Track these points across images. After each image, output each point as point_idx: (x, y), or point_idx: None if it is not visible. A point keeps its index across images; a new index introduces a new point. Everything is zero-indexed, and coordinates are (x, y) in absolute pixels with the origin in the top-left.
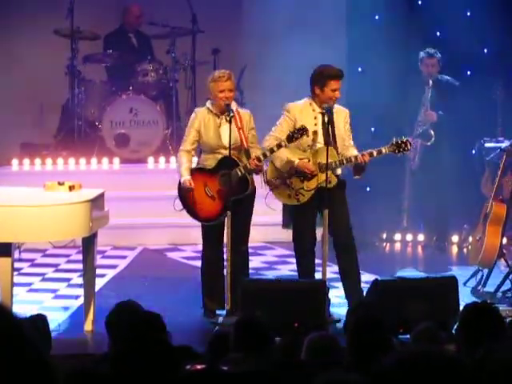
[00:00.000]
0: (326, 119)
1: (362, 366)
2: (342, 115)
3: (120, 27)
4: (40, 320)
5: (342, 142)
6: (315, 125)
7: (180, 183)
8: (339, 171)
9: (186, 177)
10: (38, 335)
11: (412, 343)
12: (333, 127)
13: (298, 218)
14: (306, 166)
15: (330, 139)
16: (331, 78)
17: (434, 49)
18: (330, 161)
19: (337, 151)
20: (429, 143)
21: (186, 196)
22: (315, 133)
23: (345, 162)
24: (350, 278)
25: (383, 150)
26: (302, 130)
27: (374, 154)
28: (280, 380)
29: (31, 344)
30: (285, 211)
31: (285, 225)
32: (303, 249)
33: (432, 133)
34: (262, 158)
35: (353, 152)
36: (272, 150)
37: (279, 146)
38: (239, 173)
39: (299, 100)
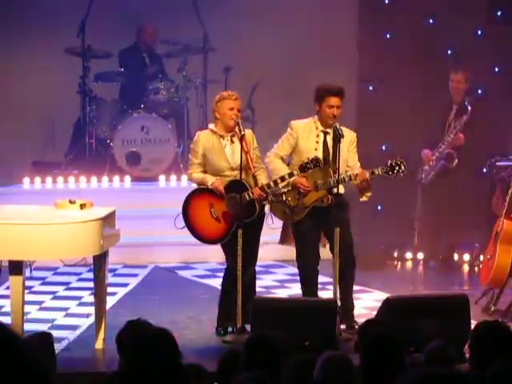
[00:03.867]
0: (329, 138)
1: None
2: (347, 138)
3: (135, 44)
4: (44, 338)
5: (342, 164)
6: (317, 142)
7: (190, 197)
8: (342, 190)
9: (213, 179)
10: (42, 353)
11: (424, 362)
12: (335, 147)
13: (298, 239)
14: (300, 182)
15: (330, 158)
16: (328, 94)
17: (456, 68)
18: (322, 181)
19: (335, 171)
20: (453, 165)
21: (194, 212)
22: (315, 150)
23: (341, 181)
24: (344, 292)
25: (376, 172)
26: (316, 161)
27: (367, 175)
28: None
29: (32, 362)
30: (283, 228)
31: (281, 241)
32: (305, 270)
33: (455, 155)
34: (265, 188)
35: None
36: (283, 178)
37: (291, 174)
38: (247, 197)
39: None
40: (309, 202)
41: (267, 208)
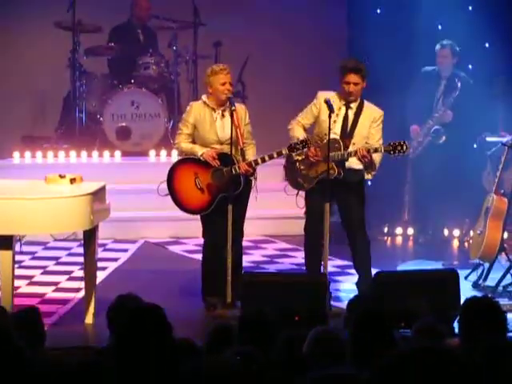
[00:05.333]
0: (351, 113)
1: (364, 360)
2: (371, 114)
3: (128, 21)
4: (31, 313)
5: (360, 140)
6: (337, 115)
7: (176, 165)
8: (357, 166)
9: (203, 150)
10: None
11: (413, 338)
12: (355, 122)
13: (307, 210)
14: (311, 151)
15: (348, 132)
16: (346, 71)
17: (442, 42)
18: (332, 153)
19: (345, 146)
20: (440, 141)
21: (180, 181)
22: (334, 123)
23: (346, 156)
24: (360, 269)
25: (379, 149)
26: (304, 143)
27: (371, 150)
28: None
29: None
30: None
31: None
32: (307, 242)
33: (443, 131)
34: (253, 164)
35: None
36: (271, 156)
37: (279, 153)
38: (233, 171)
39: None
40: (317, 172)
41: (254, 184)
